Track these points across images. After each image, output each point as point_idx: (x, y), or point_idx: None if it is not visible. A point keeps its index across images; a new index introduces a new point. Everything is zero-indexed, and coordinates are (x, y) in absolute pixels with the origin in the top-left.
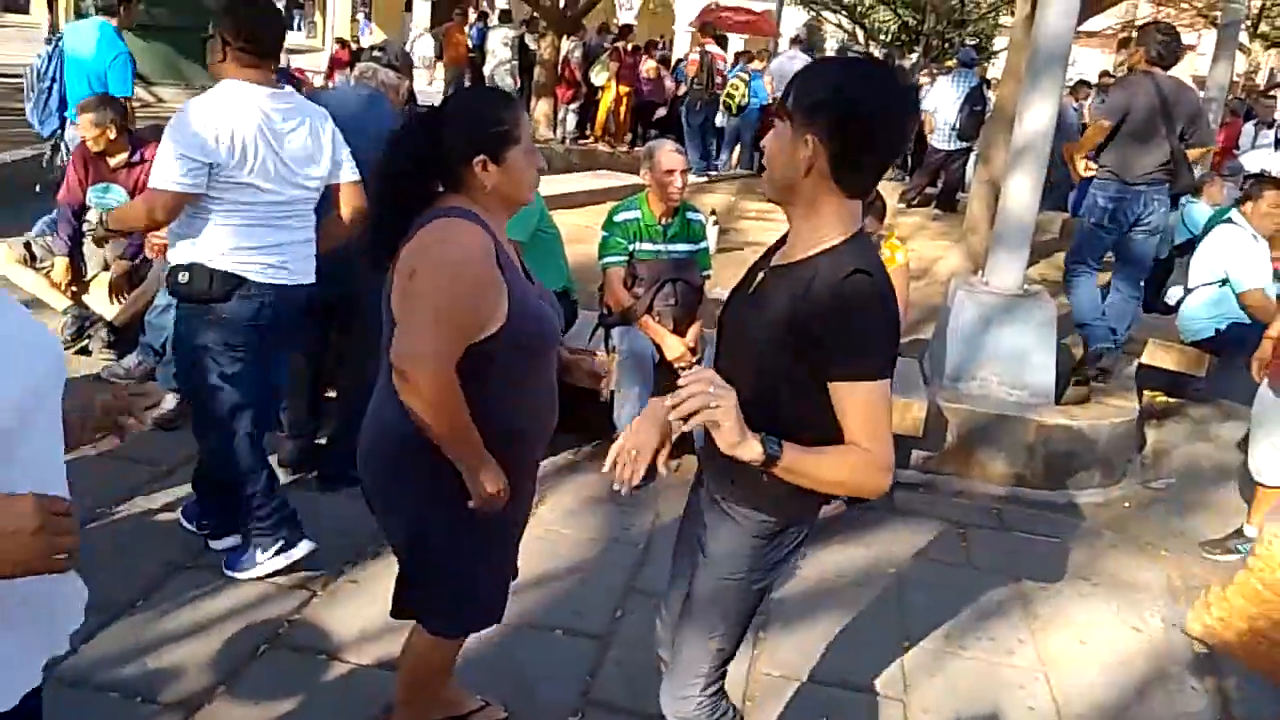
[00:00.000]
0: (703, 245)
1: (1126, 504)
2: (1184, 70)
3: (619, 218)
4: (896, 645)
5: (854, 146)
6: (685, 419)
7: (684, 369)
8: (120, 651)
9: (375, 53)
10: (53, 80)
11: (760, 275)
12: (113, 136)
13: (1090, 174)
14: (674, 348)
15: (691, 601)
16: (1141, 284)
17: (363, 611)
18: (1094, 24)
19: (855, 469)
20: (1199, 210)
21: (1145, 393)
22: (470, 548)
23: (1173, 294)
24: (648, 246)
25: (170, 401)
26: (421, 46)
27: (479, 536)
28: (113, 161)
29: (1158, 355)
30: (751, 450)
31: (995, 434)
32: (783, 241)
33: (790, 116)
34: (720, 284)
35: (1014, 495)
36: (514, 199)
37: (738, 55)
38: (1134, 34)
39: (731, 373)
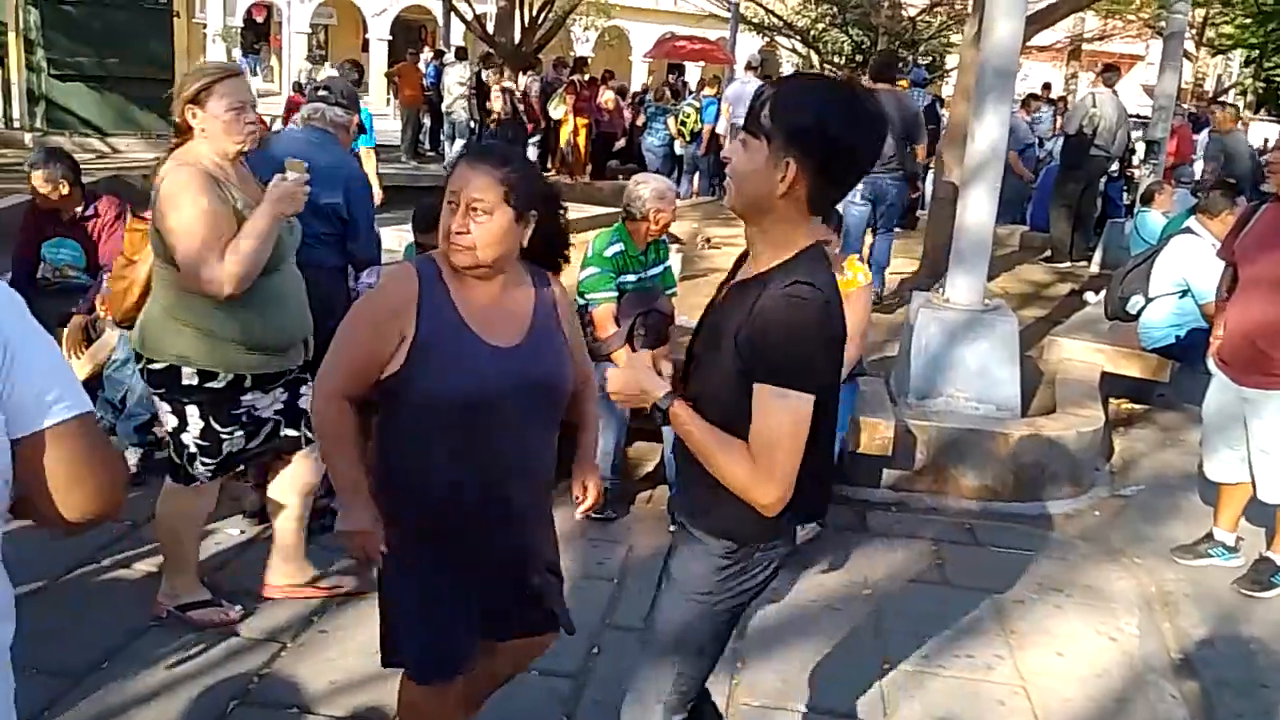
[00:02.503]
0: (667, 264)
1: (1097, 513)
2: (1134, 80)
3: (609, 252)
4: (876, 667)
5: (835, 171)
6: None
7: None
8: (84, 718)
9: (321, 91)
10: None
11: (726, 290)
12: (65, 191)
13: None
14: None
15: (654, 621)
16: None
17: (334, 663)
18: (1043, 39)
19: (734, 465)
20: (1153, 219)
21: (1111, 401)
22: (401, 586)
23: (1134, 303)
24: (631, 278)
25: (132, 456)
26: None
27: (409, 578)
28: (64, 216)
29: (1121, 363)
30: (652, 398)
31: (964, 449)
32: (745, 257)
33: (767, 136)
34: (685, 311)
35: (986, 510)
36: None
37: (689, 84)
38: (1082, 47)
39: (697, 382)
